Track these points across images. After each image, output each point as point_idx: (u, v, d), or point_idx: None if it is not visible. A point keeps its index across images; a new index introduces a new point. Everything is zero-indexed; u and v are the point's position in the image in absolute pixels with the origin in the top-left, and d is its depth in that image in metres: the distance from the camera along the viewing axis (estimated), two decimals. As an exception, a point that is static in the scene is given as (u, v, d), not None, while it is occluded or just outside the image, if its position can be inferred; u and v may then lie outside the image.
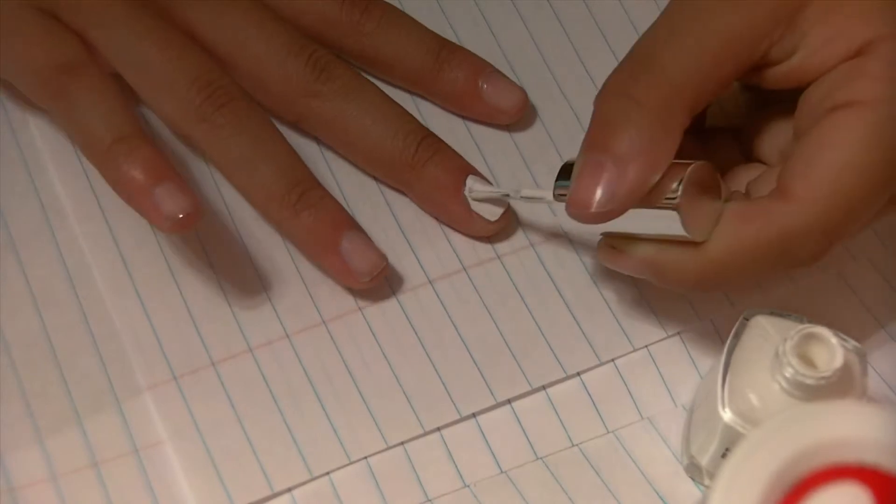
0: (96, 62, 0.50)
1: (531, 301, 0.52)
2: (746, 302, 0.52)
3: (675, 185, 0.45)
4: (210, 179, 0.54)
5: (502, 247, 0.53)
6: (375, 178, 0.54)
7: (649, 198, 0.45)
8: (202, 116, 0.50)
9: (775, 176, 0.46)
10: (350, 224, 0.51)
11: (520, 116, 0.55)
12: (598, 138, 0.45)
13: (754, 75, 0.47)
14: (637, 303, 0.52)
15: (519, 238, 0.53)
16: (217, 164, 0.52)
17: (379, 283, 0.51)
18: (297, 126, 0.54)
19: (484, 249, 0.53)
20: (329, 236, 0.50)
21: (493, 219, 0.52)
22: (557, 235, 0.54)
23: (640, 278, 0.50)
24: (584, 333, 0.52)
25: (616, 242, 0.48)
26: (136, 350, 0.50)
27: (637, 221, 0.46)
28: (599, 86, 0.56)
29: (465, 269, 0.53)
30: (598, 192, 0.45)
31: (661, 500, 0.49)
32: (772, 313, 0.47)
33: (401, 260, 0.53)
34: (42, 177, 0.53)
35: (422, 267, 0.53)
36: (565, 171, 0.47)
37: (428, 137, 0.52)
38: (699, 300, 0.52)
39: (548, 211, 0.54)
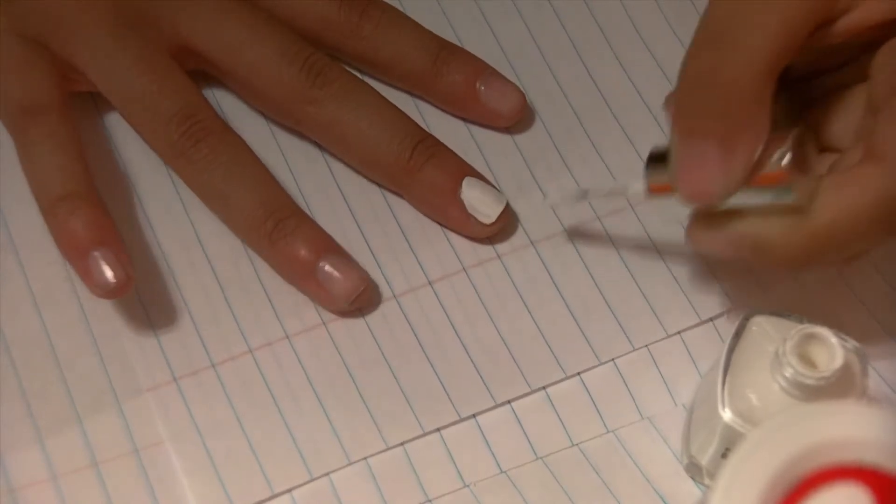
0: (63, 108, 0.51)
1: (531, 301, 0.52)
2: (746, 302, 0.52)
3: (778, 154, 0.44)
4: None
5: (502, 246, 0.53)
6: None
7: (756, 172, 0.44)
8: (179, 152, 0.51)
9: (857, 153, 0.45)
10: (327, 248, 0.51)
11: (518, 119, 0.55)
12: (690, 124, 0.44)
13: (822, 32, 0.46)
14: (636, 302, 0.52)
15: (519, 237, 0.53)
16: (197, 195, 0.52)
17: (363, 304, 0.51)
18: (296, 129, 0.54)
19: (484, 250, 0.53)
20: (305, 264, 0.50)
21: (489, 221, 0.52)
22: (558, 234, 0.54)
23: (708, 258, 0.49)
24: (583, 333, 0.52)
25: (709, 221, 0.46)
26: (137, 351, 0.50)
27: (742, 196, 0.45)
28: (600, 86, 0.56)
29: (464, 270, 0.53)
30: (713, 178, 0.44)
31: (661, 499, 0.49)
32: (772, 313, 0.47)
33: (401, 260, 0.53)
34: (42, 177, 0.53)
35: (421, 267, 0.53)
36: (654, 161, 0.47)
37: (424, 140, 0.52)
38: (700, 299, 0.52)
39: (549, 210, 0.54)
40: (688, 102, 0.45)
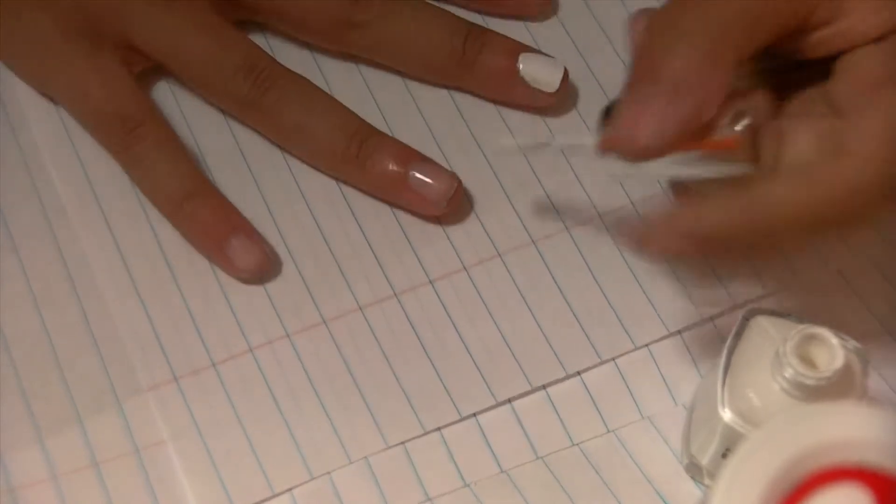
0: (153, 112, 0.53)
1: (531, 300, 0.52)
2: (747, 302, 0.52)
3: (732, 119, 0.44)
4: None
5: (503, 244, 0.53)
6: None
7: (705, 136, 0.44)
8: (251, 102, 0.52)
9: (811, 144, 0.45)
10: (413, 157, 0.52)
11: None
12: (646, 70, 0.44)
13: (795, 40, 0.46)
14: (638, 301, 0.52)
15: (520, 235, 0.53)
16: (276, 141, 0.54)
17: (456, 206, 0.53)
18: (344, 56, 0.56)
19: (484, 248, 0.53)
20: (397, 177, 0.52)
21: (552, 89, 0.54)
22: (559, 233, 0.54)
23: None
24: (584, 332, 0.52)
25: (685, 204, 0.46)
26: (137, 350, 0.50)
27: (694, 165, 0.45)
28: (600, 85, 0.56)
29: (465, 268, 0.53)
30: (648, 126, 0.44)
31: (661, 499, 0.49)
32: (772, 313, 0.47)
33: (401, 259, 0.53)
34: (42, 177, 0.53)
35: (422, 266, 0.53)
36: (608, 114, 0.46)
37: (472, 31, 0.54)
38: (701, 298, 0.52)
39: (550, 208, 0.54)
40: (647, 46, 0.45)
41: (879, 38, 0.45)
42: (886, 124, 0.44)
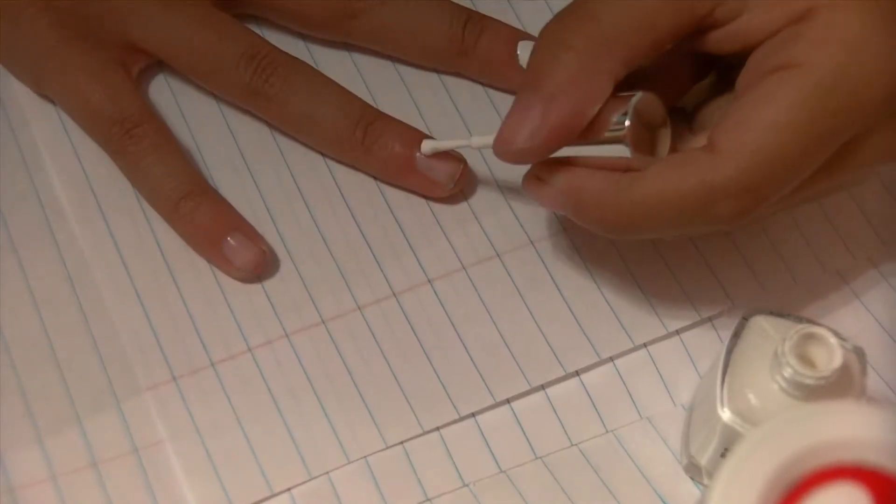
0: (151, 113, 0.53)
1: (530, 299, 0.52)
2: (746, 302, 0.52)
3: (618, 116, 0.46)
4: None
5: (501, 245, 0.53)
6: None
7: (593, 133, 0.46)
8: (255, 91, 0.53)
9: (703, 139, 0.46)
10: (419, 138, 0.52)
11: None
12: (528, 79, 0.46)
13: (699, 38, 0.47)
14: (637, 300, 0.52)
15: (519, 236, 0.53)
16: (281, 127, 0.54)
17: (464, 185, 0.53)
18: (336, 44, 0.56)
19: (483, 248, 0.53)
20: (403, 159, 0.52)
21: None
22: (558, 233, 0.54)
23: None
24: (583, 331, 0.52)
25: (542, 172, 0.48)
26: (136, 350, 0.50)
27: (580, 148, 0.47)
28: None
29: (464, 268, 0.53)
30: (523, 130, 0.46)
31: (661, 499, 0.49)
32: (771, 313, 0.47)
33: (400, 259, 0.53)
34: (42, 177, 0.53)
35: (421, 266, 0.53)
36: None
37: (472, 17, 0.55)
38: (699, 298, 0.52)
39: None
40: (535, 58, 0.46)
41: (776, 34, 0.45)
42: (754, 120, 0.44)
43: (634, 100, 0.46)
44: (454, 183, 0.53)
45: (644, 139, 0.46)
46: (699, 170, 0.44)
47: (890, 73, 0.44)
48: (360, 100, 0.53)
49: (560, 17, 0.47)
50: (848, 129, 0.44)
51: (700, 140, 0.46)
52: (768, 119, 0.44)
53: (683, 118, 0.50)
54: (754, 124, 0.44)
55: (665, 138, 0.47)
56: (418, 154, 0.52)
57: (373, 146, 0.53)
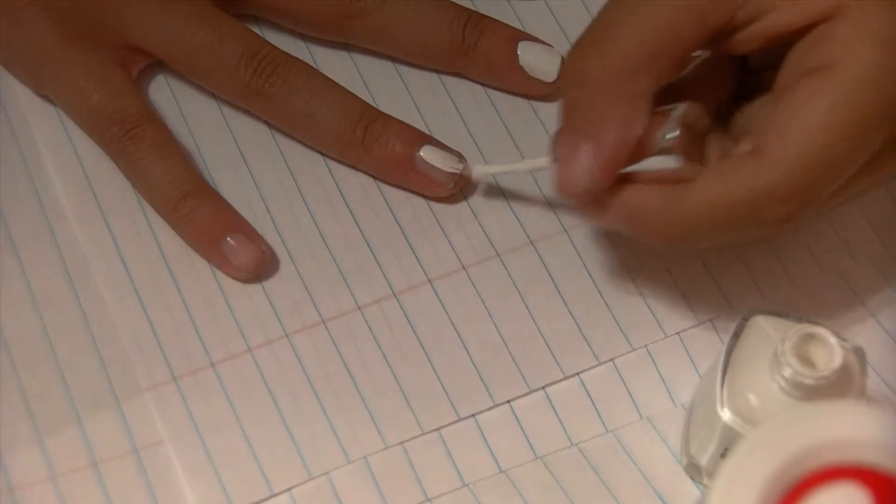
0: (150, 114, 0.53)
1: (530, 301, 0.52)
2: (746, 302, 0.52)
3: (666, 129, 0.46)
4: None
5: (501, 245, 0.53)
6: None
7: (642, 151, 0.46)
8: (255, 90, 0.53)
9: (748, 143, 0.46)
10: (420, 138, 0.53)
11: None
12: (566, 120, 0.47)
13: (724, 41, 0.47)
14: (636, 303, 0.52)
15: (519, 236, 0.53)
16: (281, 127, 0.54)
17: (464, 185, 0.53)
18: (336, 45, 0.56)
19: (483, 248, 0.53)
20: (403, 159, 0.53)
21: (551, 79, 0.54)
22: (557, 234, 0.54)
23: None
24: (582, 333, 0.52)
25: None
26: (136, 350, 0.50)
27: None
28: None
29: (464, 269, 0.53)
30: (579, 175, 0.46)
31: (661, 499, 0.49)
32: (771, 313, 0.47)
33: (400, 259, 0.53)
34: (42, 177, 0.53)
35: (421, 266, 0.53)
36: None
37: (472, 18, 0.55)
38: (698, 300, 0.52)
39: (548, 209, 0.54)
40: (566, 97, 0.47)
41: (805, 29, 0.45)
42: (797, 123, 0.44)
43: (679, 111, 0.46)
44: (454, 183, 0.53)
45: (692, 148, 0.47)
46: (747, 176, 0.45)
47: None
48: (360, 99, 0.54)
49: (580, 47, 0.46)
50: (889, 123, 0.45)
51: (744, 145, 0.46)
52: (810, 121, 0.44)
53: (720, 122, 0.50)
54: (797, 127, 0.44)
55: (711, 145, 0.48)
56: (418, 154, 0.52)
57: (373, 145, 0.53)
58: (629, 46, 0.45)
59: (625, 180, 0.47)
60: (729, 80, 0.50)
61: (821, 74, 0.44)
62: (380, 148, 0.53)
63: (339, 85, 0.54)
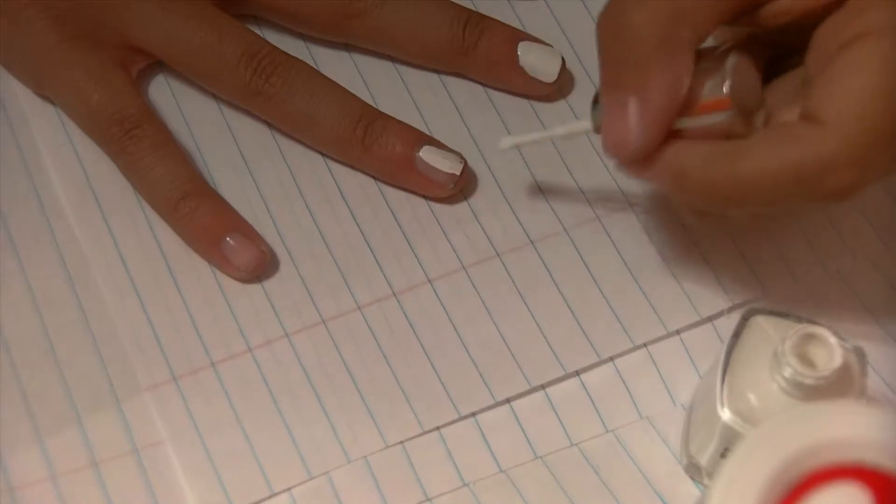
0: (150, 114, 0.53)
1: (530, 299, 0.52)
2: (746, 301, 0.52)
3: (713, 82, 0.45)
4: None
5: (501, 245, 0.53)
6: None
7: (689, 105, 0.45)
8: (255, 91, 0.53)
9: (789, 113, 0.45)
10: (419, 139, 0.53)
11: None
12: (609, 77, 0.46)
13: (755, 14, 0.46)
14: (636, 300, 0.52)
15: (519, 236, 0.53)
16: (281, 127, 0.54)
17: (464, 185, 0.53)
18: (337, 45, 0.56)
19: (483, 248, 0.53)
20: (403, 159, 0.53)
21: (551, 79, 0.54)
22: (557, 233, 0.54)
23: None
24: (583, 331, 0.52)
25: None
26: (136, 350, 0.50)
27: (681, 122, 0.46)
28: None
29: (464, 268, 0.53)
30: (629, 130, 0.45)
31: (660, 499, 0.49)
32: (771, 313, 0.47)
33: (400, 259, 0.53)
34: (42, 177, 0.54)
35: (421, 266, 0.53)
36: (597, 103, 0.48)
37: (472, 18, 0.55)
38: (699, 298, 0.52)
39: (548, 208, 0.54)
40: (605, 54, 0.46)
41: (837, 2, 0.45)
42: (851, 89, 0.44)
43: (731, 62, 0.45)
44: (454, 183, 0.53)
45: (743, 104, 0.46)
46: (808, 143, 0.44)
47: None
48: (359, 99, 0.54)
49: (617, 2, 0.45)
50: None
51: (785, 114, 0.46)
52: (866, 86, 0.43)
53: None
54: (852, 92, 0.43)
55: (761, 106, 0.46)
56: (418, 154, 0.52)
57: (373, 145, 0.53)
58: None
59: (671, 136, 0.46)
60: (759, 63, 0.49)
61: (863, 41, 0.44)
62: (380, 148, 0.53)
63: (338, 85, 0.54)
